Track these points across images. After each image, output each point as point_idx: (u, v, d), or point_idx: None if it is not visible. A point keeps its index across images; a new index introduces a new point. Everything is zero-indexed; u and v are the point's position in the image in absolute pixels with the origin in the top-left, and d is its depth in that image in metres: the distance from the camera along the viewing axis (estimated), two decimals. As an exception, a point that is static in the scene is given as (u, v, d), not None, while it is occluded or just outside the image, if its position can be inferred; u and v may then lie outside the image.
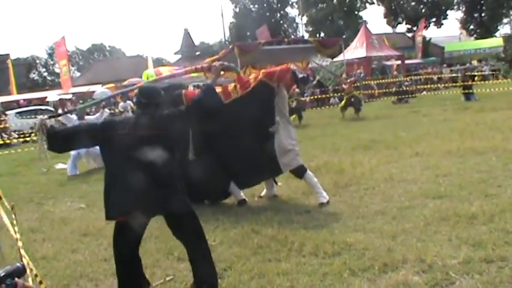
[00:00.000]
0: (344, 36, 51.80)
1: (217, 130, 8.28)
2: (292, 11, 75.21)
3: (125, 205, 4.90)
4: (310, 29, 71.08)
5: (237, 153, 8.54)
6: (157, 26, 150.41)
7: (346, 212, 7.77)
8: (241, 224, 7.57)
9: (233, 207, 8.78)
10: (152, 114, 5.14)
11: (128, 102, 25.68)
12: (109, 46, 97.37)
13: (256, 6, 71.03)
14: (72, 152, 13.55)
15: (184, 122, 5.48)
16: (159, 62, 59.97)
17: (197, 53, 64.38)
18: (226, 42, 60.53)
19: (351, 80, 24.84)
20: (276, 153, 8.56)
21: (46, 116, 5.57)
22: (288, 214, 7.95)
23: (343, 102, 24.01)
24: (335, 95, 31.21)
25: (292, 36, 64.82)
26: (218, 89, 7.59)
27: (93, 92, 29.98)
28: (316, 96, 33.01)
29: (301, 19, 71.44)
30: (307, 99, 30.82)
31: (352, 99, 23.58)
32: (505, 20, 74.46)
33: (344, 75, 26.11)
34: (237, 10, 71.11)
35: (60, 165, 15.40)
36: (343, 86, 24.55)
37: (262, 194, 9.41)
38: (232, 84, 8.76)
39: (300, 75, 36.08)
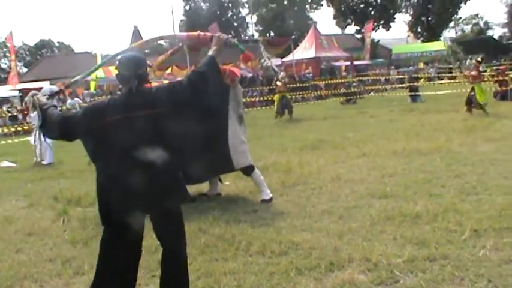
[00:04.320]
0: (293, 36, 52.03)
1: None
2: (243, 10, 75.34)
3: (128, 204, 4.29)
4: (260, 28, 71.30)
5: (190, 147, 8.41)
6: (107, 23, 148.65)
7: (293, 212, 7.79)
8: (188, 223, 7.44)
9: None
10: (143, 89, 4.48)
11: (76, 99, 25.30)
12: (58, 42, 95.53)
13: (207, 4, 70.75)
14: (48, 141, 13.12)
15: (186, 95, 4.56)
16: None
17: (146, 51, 63.80)
18: (176, 40, 60.09)
19: (285, 81, 24.52)
20: (229, 149, 8.54)
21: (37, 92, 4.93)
22: (236, 213, 7.94)
23: (276, 102, 23.68)
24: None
25: (242, 35, 64.94)
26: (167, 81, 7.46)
27: (41, 88, 29.28)
28: (265, 97, 33.08)
29: (252, 18, 71.67)
30: (256, 99, 30.84)
31: (284, 101, 23.54)
32: (451, 24, 76.09)
33: (282, 74, 25.97)
34: (188, 8, 70.72)
35: (5, 163, 15.10)
36: (277, 83, 24.28)
37: (206, 191, 9.38)
38: (184, 72, 8.55)
39: (249, 75, 36.28)
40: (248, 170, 8.77)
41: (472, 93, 18.65)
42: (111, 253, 4.47)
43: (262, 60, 25.54)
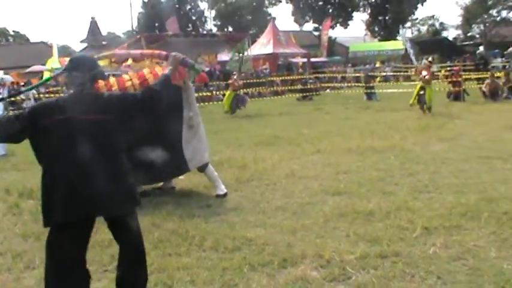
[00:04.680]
0: (251, 32, 52.08)
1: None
2: (202, 4, 75.01)
3: (70, 208, 4.09)
4: (219, 23, 71.16)
5: (141, 150, 8.27)
6: (64, 13, 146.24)
7: (247, 207, 7.80)
8: (142, 217, 7.34)
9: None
10: (94, 92, 4.42)
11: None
12: (13, 31, 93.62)
13: (164, -1, 70.30)
14: None
15: (137, 109, 4.53)
16: (64, 50, 58.32)
17: (104, 43, 63.05)
18: (134, 33, 59.60)
19: (235, 79, 24.26)
20: (184, 151, 8.48)
21: None
22: (189, 208, 7.90)
23: (229, 98, 23.10)
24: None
25: (200, 30, 64.68)
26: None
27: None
28: (222, 91, 33.02)
29: (210, 12, 71.49)
30: (214, 93, 30.77)
31: (237, 96, 23.39)
32: (407, 24, 77.09)
33: (236, 72, 25.86)
34: (146, 0, 70.07)
35: None
36: (231, 80, 24.02)
37: (160, 185, 9.33)
38: (127, 77, 8.29)
39: (206, 69, 36.17)
40: (202, 167, 8.75)
41: (422, 93, 18.92)
42: (57, 253, 4.28)
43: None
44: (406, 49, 45.73)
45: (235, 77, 24.15)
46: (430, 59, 21.73)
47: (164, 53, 5.36)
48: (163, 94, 4.55)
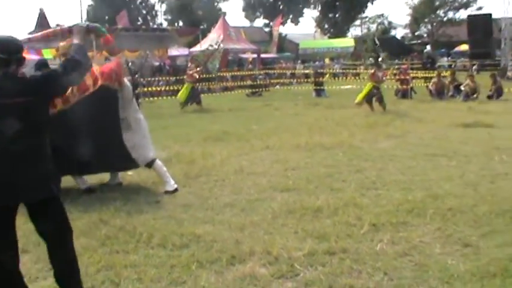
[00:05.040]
0: (202, 27, 51.88)
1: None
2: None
3: None
4: (169, 17, 70.70)
5: (87, 153, 8.09)
6: (11, 4, 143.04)
7: (195, 204, 7.74)
8: (89, 213, 7.33)
9: (81, 195, 8.47)
10: (18, 76, 4.21)
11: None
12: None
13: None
14: None
15: (61, 85, 4.36)
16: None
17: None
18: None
19: (197, 70, 24.08)
20: (128, 150, 8.39)
21: None
22: (138, 204, 7.81)
23: (186, 90, 22.95)
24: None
25: (151, 24, 64.19)
26: None
27: None
28: (171, 87, 32.78)
29: (161, 7, 70.97)
30: (162, 88, 30.49)
31: (194, 89, 23.18)
32: (357, 22, 78.08)
33: (192, 64, 25.64)
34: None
35: None
36: (189, 72, 23.86)
37: (107, 181, 9.21)
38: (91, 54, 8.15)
39: (156, 63, 35.86)
40: (149, 163, 8.67)
41: (375, 91, 19.13)
42: None
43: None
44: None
45: (197, 68, 24.01)
46: (380, 58, 21.92)
47: (67, 27, 5.20)
48: (82, 61, 4.41)
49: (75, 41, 4.65)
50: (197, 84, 23.84)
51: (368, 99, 19.21)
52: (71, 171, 8.34)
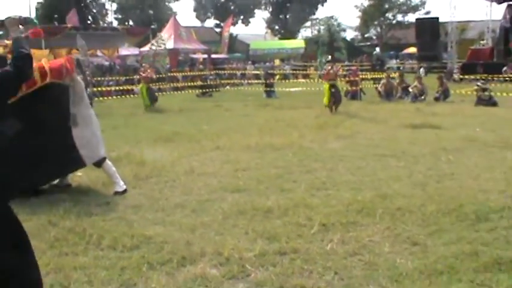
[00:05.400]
0: (153, 27, 51.59)
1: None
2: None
3: None
4: (120, 16, 70.02)
5: (33, 150, 7.91)
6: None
7: (146, 205, 7.68)
8: (38, 215, 7.20)
9: (29, 197, 8.27)
10: None
11: None
12: None
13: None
14: None
15: (14, 85, 4.20)
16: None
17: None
18: (32, 24, 57.41)
19: (148, 72, 23.97)
20: (77, 146, 8.26)
21: None
22: (87, 205, 7.70)
23: (144, 92, 22.99)
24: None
25: (101, 23, 63.45)
26: None
27: None
28: (121, 87, 32.48)
29: (111, 5, 70.22)
30: (112, 88, 30.20)
31: (150, 89, 23.17)
32: (307, 23, 78.72)
33: (146, 64, 25.52)
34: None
35: None
36: (142, 73, 23.82)
37: (55, 182, 9.06)
38: (41, 53, 7.99)
39: (106, 63, 35.53)
40: (99, 162, 8.58)
41: (333, 90, 19.27)
42: None
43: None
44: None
45: (148, 70, 23.87)
46: (329, 58, 22.08)
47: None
48: (30, 55, 4.24)
49: (12, 34, 4.44)
50: (152, 84, 23.73)
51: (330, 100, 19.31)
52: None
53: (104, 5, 73.94)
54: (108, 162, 8.63)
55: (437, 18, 48.06)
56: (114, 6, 70.20)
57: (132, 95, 28.04)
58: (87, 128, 8.43)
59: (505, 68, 35.62)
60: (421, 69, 42.61)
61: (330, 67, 20.71)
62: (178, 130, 15.20)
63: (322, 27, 77.06)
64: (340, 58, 43.16)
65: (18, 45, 4.29)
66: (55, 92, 8.00)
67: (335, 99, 19.29)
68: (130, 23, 67.69)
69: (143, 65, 25.78)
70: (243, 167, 9.98)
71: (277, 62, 54.19)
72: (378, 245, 5.83)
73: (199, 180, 9.06)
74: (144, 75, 23.50)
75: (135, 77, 30.26)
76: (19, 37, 4.37)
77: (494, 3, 46.66)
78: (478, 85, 22.40)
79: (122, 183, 8.46)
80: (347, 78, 26.88)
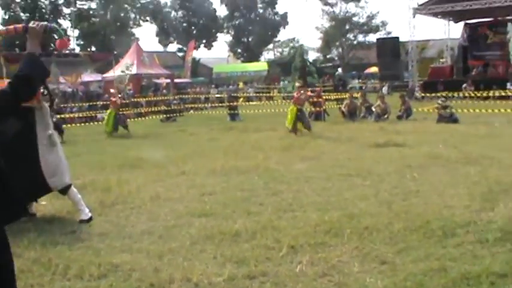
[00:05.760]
0: (115, 52, 51.45)
1: None
2: (65, 23, 72.98)
3: None
4: (82, 42, 69.64)
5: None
6: None
7: (112, 232, 7.58)
8: (1, 247, 7.07)
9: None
10: None
11: None
12: None
13: (27, 14, 67.63)
14: None
15: (11, 105, 3.84)
16: None
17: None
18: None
19: (117, 97, 23.92)
20: (43, 172, 8.16)
21: None
22: (53, 235, 7.56)
23: (110, 118, 22.95)
24: (104, 111, 30.65)
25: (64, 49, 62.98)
26: None
27: None
28: (84, 113, 32.25)
29: (73, 32, 69.77)
30: (75, 115, 29.98)
31: (118, 116, 23.15)
32: (270, 46, 79.36)
33: (113, 90, 25.45)
34: (7, 17, 67.09)
35: None
36: (112, 99, 23.78)
37: None
38: None
39: (69, 89, 35.25)
40: (64, 189, 8.47)
41: (300, 114, 19.37)
42: None
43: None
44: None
45: (119, 95, 23.77)
46: (297, 84, 22.17)
47: (22, 25, 4.71)
48: (33, 76, 3.93)
49: (28, 45, 4.16)
50: (120, 109, 23.65)
51: (295, 123, 19.38)
52: None
53: (65, 30, 73.51)
54: (73, 189, 8.52)
55: (398, 37, 48.78)
56: (76, 32, 69.81)
57: (95, 122, 27.86)
58: (53, 154, 8.33)
59: (464, 85, 36.34)
60: (384, 88, 43.14)
61: (301, 92, 20.79)
62: (143, 156, 15.10)
63: (285, 50, 77.82)
64: (313, 82, 43.38)
65: (25, 62, 3.98)
66: (22, 115, 7.88)
67: (305, 123, 19.39)
68: (93, 48, 67.42)
69: (111, 90, 25.61)
70: (209, 191, 9.94)
71: (240, 84, 54.39)
72: (347, 265, 5.84)
73: (166, 206, 8.99)
74: (113, 99, 23.39)
75: (98, 103, 30.10)
76: (34, 53, 4.08)
77: (451, 22, 47.65)
78: (439, 103, 22.75)
79: (87, 210, 8.35)
80: (311, 100, 27.04)
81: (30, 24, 4.27)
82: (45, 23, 4.38)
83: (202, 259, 6.25)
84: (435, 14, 44.91)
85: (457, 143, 14.85)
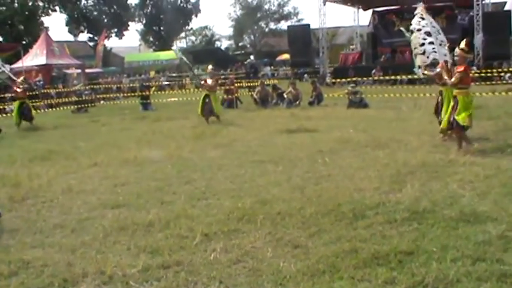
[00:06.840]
0: (24, 42, 50.01)
1: None
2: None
3: None
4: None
5: None
6: None
7: (22, 228, 7.39)
8: None
9: None
10: None
11: None
12: None
13: None
14: None
15: None
16: None
17: None
18: None
19: (24, 87, 23.27)
20: None
21: None
22: (-42, 233, 7.36)
23: (15, 109, 22.53)
24: (11, 103, 29.73)
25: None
26: None
27: None
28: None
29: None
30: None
31: (24, 105, 22.52)
32: (182, 34, 78.90)
33: (20, 79, 24.71)
34: None
35: None
36: (17, 89, 23.12)
37: None
38: None
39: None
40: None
41: (207, 101, 19.32)
42: None
43: None
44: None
45: (21, 86, 23.08)
46: (210, 67, 22.01)
47: None
48: None
49: None
50: (27, 100, 23.05)
51: (203, 109, 19.33)
52: None
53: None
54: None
55: (309, 25, 49.18)
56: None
57: (4, 114, 27.05)
58: None
59: (373, 71, 37.21)
60: (306, 75, 43.58)
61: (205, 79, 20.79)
62: (54, 148, 14.81)
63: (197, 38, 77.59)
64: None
65: None
66: None
67: (205, 111, 19.36)
68: (0, 38, 65.15)
69: (17, 80, 24.84)
70: (122, 182, 9.87)
71: (152, 73, 53.92)
72: (260, 251, 5.93)
73: (78, 199, 8.87)
74: (19, 90, 22.75)
75: (7, 95, 29.19)
76: None
77: (361, 10, 48.63)
78: (349, 89, 23.25)
79: (-4, 207, 8.15)
80: (223, 87, 27.07)
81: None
82: None
83: (116, 251, 6.22)
84: (345, 2, 45.84)
85: (366, 128, 15.23)
